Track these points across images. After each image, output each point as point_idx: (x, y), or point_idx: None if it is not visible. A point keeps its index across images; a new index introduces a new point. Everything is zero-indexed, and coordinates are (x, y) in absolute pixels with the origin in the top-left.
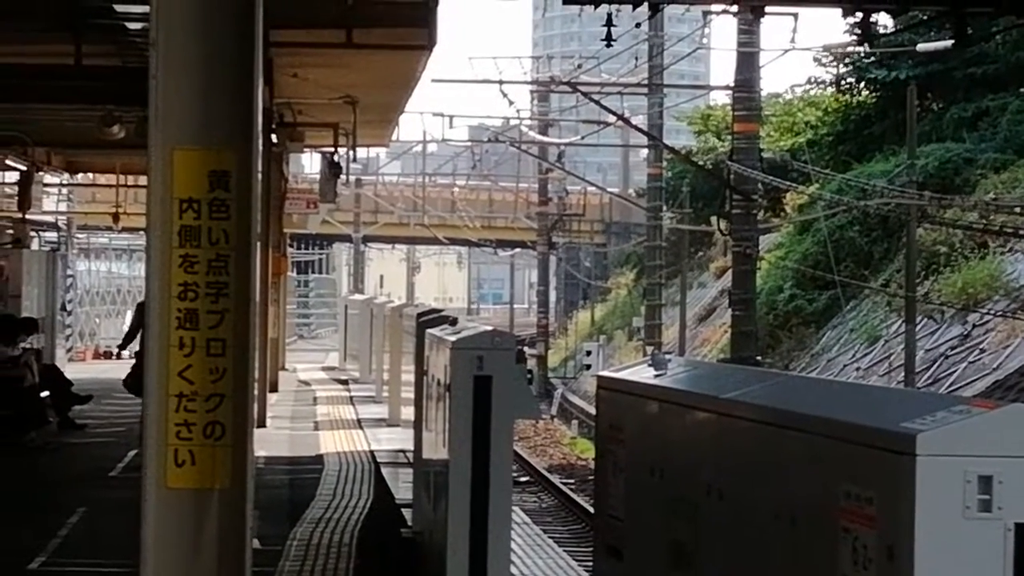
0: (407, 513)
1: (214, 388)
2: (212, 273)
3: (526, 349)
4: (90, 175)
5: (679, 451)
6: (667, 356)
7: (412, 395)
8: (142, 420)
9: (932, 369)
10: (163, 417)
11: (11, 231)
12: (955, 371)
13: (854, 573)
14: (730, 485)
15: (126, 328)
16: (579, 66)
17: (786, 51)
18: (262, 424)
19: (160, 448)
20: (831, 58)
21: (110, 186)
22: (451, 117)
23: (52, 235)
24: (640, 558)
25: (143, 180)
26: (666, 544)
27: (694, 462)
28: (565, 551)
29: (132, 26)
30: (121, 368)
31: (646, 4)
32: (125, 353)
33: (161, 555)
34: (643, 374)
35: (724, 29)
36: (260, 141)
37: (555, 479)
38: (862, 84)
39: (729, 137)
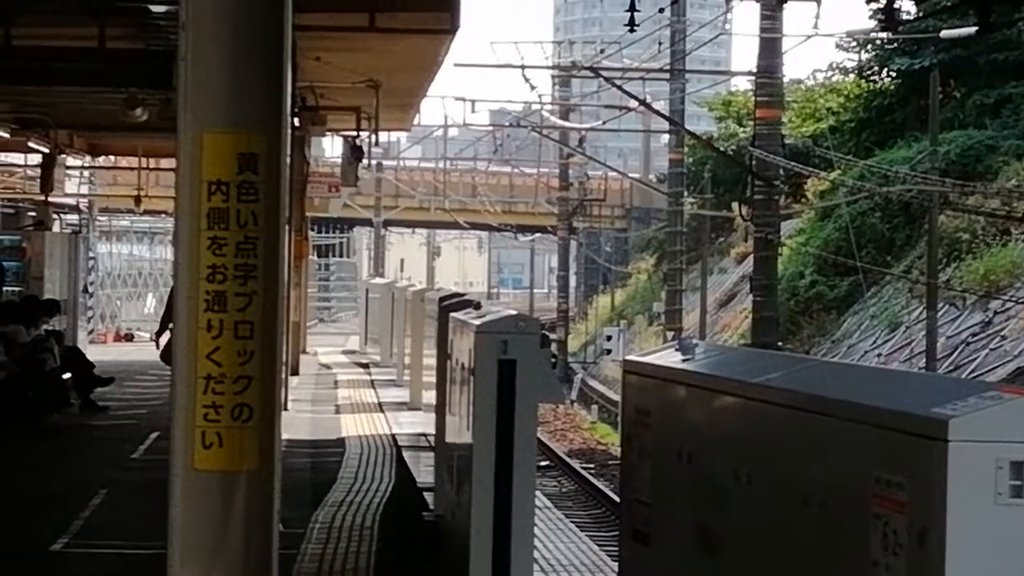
0: (429, 497)
1: (242, 370)
2: (240, 255)
3: (548, 334)
4: (112, 158)
5: (707, 436)
6: (694, 340)
7: (433, 379)
8: (170, 402)
9: (953, 356)
10: (191, 399)
11: (34, 213)
12: (976, 358)
13: (885, 559)
14: (759, 470)
15: (149, 311)
16: (601, 51)
17: (809, 37)
18: (284, 407)
19: (188, 430)
20: (854, 44)
21: (132, 169)
22: (473, 102)
23: (74, 218)
24: (667, 543)
25: (165, 163)
26: (694, 529)
27: (722, 447)
28: (586, 535)
29: (156, 9)
30: (143, 350)
31: None
32: (163, 339)
33: (189, 537)
34: (670, 358)
35: (747, 15)
36: (289, 124)
37: (575, 464)
38: (884, 72)
39: (751, 123)
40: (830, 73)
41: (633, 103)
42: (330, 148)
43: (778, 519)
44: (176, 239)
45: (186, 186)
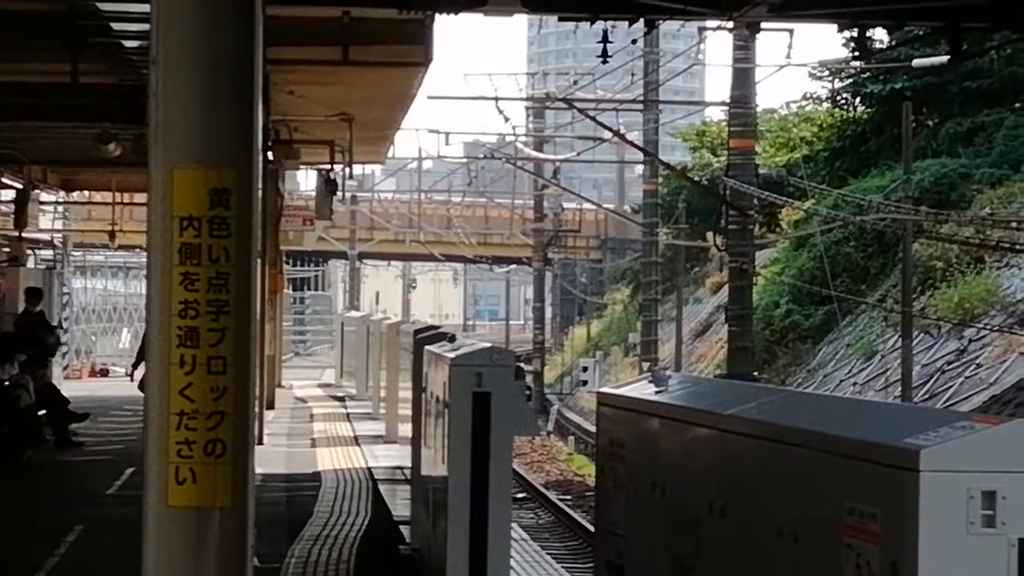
0: (405, 530)
1: (215, 406)
2: (212, 291)
3: (523, 365)
4: (86, 193)
5: (680, 467)
6: (667, 372)
7: (409, 412)
8: (143, 438)
9: (929, 384)
10: (164, 435)
11: (7, 249)
12: (952, 386)
13: None
14: (732, 501)
15: (124, 346)
16: (574, 82)
17: (782, 67)
18: (260, 441)
19: (161, 466)
20: (827, 73)
21: (106, 204)
22: (447, 134)
23: (48, 253)
24: (641, 574)
25: (139, 198)
26: (667, 560)
27: (696, 478)
28: (563, 567)
29: (129, 44)
30: (118, 385)
31: (642, 20)
32: (138, 374)
33: (163, 573)
34: (644, 390)
35: (720, 45)
36: (260, 159)
37: (552, 495)
38: (858, 99)
39: (725, 153)
40: (804, 103)
41: (607, 134)
42: (304, 181)
43: (752, 550)
44: (148, 275)
45: (158, 222)
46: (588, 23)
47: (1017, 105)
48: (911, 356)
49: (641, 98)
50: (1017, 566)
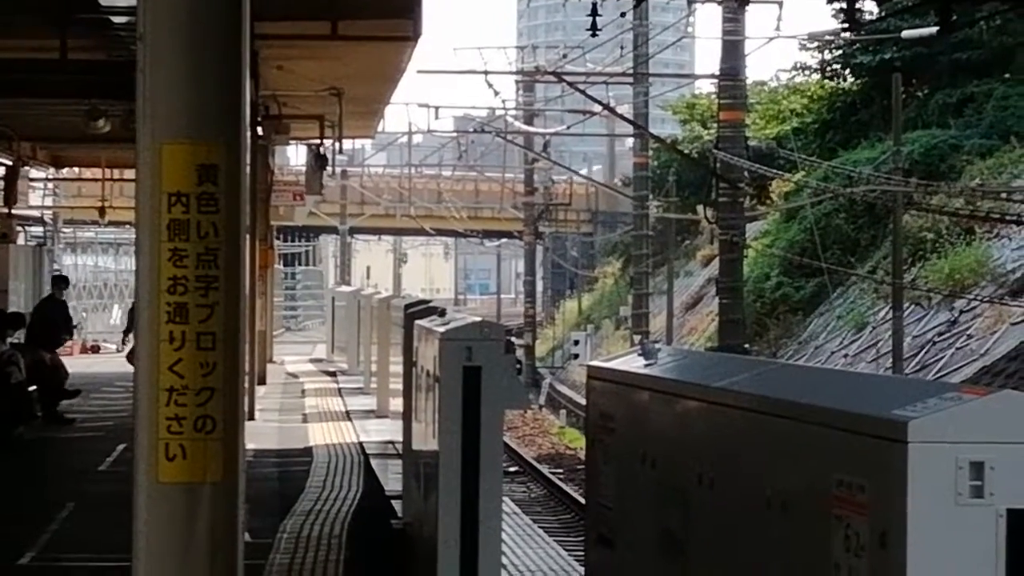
0: (397, 504)
1: (204, 382)
2: (201, 267)
3: (514, 339)
4: (76, 169)
5: (669, 440)
6: (657, 345)
7: (400, 386)
8: (133, 414)
9: (920, 355)
10: (154, 411)
11: None
12: (943, 357)
13: (846, 560)
14: (721, 473)
15: (114, 322)
16: (564, 56)
17: (771, 39)
18: (251, 417)
19: (151, 442)
20: (817, 45)
21: (96, 180)
22: (436, 108)
23: (38, 230)
24: (631, 547)
25: (129, 174)
26: (657, 533)
27: (684, 451)
28: (555, 541)
29: (117, 20)
30: (109, 362)
31: None
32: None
33: (153, 550)
34: (633, 363)
35: (709, 18)
36: (248, 134)
37: (544, 469)
38: (847, 71)
39: (715, 125)
40: (793, 73)
41: (597, 107)
42: (294, 156)
43: (740, 522)
44: (137, 251)
45: (146, 198)
46: None
47: (1007, 76)
48: (902, 328)
49: (631, 71)
50: (1006, 536)
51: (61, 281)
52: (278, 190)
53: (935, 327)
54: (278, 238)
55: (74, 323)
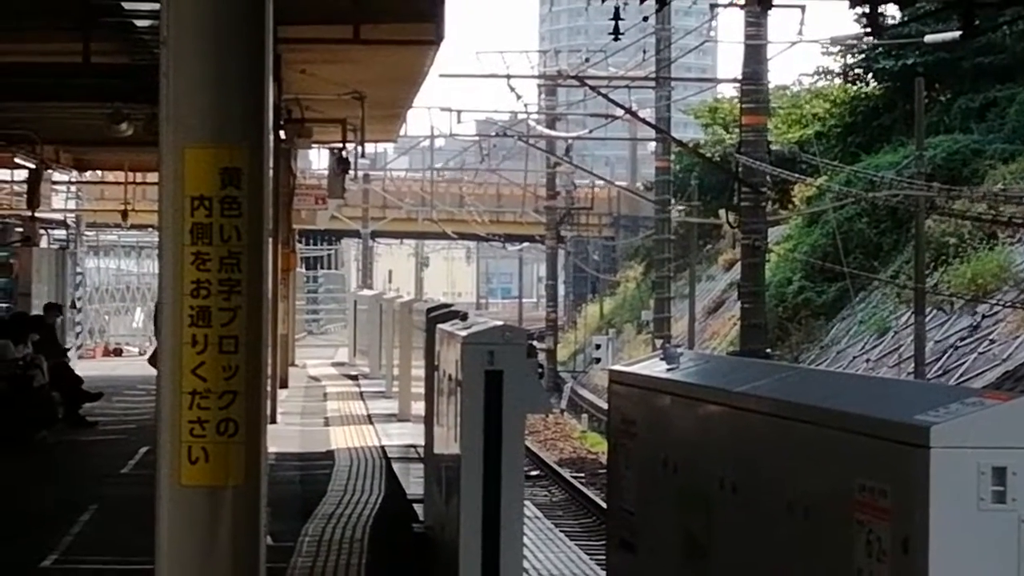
0: (418, 508)
1: (227, 385)
2: (224, 270)
3: (536, 343)
4: (99, 172)
5: (692, 444)
6: (679, 349)
7: (422, 390)
8: (156, 418)
9: (942, 360)
10: (176, 414)
11: (21, 229)
12: (965, 362)
13: (869, 566)
14: (743, 478)
15: (137, 325)
16: (586, 60)
17: (794, 43)
18: (273, 420)
19: (174, 446)
20: (839, 49)
21: (119, 183)
22: (459, 112)
23: (61, 233)
24: (653, 552)
25: (151, 177)
26: (679, 537)
27: (707, 455)
28: (577, 545)
29: (140, 23)
30: (131, 364)
31: None
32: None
33: (175, 553)
34: (655, 368)
35: (732, 22)
36: (271, 138)
37: (566, 473)
38: (870, 75)
39: (737, 130)
40: (816, 77)
41: (619, 111)
42: (317, 160)
43: (762, 527)
44: (160, 255)
45: (169, 201)
46: (600, 0)
47: None
48: (924, 332)
49: (653, 75)
50: None
51: (53, 309)
52: (300, 194)
53: (957, 332)
54: (300, 242)
55: (67, 346)
